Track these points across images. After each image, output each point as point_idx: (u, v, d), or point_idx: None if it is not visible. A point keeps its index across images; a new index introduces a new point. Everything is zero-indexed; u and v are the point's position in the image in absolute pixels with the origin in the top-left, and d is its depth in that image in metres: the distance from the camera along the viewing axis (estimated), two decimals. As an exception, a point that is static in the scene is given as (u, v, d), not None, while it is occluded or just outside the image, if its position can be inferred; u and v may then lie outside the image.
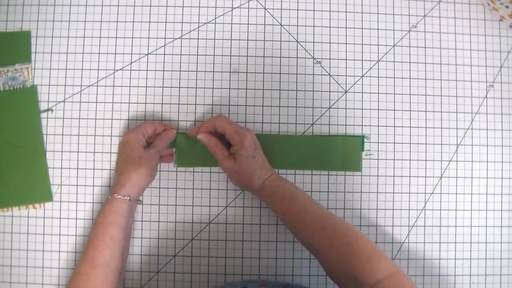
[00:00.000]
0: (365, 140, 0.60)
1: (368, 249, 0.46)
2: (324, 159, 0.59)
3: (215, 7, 0.61)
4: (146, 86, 0.60)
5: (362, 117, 0.60)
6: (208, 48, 0.60)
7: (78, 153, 0.59)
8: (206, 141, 0.55)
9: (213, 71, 0.60)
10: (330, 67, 0.61)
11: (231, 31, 0.61)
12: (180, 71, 0.60)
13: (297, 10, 0.61)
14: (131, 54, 0.60)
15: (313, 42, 0.61)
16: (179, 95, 0.60)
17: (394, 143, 0.60)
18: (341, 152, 0.59)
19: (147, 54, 0.60)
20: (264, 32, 0.61)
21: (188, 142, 0.58)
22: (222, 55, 0.60)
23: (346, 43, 0.61)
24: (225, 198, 0.59)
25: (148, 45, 0.60)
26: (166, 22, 0.61)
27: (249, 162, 0.52)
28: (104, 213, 0.50)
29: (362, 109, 0.60)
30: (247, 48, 0.61)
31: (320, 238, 0.48)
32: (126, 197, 0.50)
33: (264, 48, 0.61)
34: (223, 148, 0.54)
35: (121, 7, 0.61)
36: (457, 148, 0.61)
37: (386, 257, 0.45)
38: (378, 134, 0.60)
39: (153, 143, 0.55)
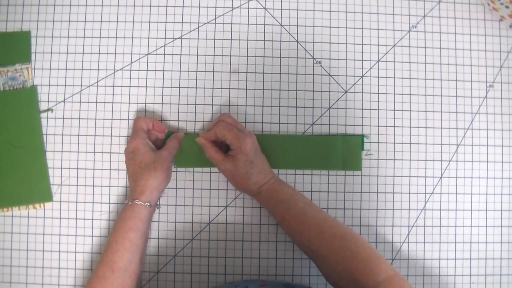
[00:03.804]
0: (365, 139, 0.60)
1: (367, 252, 0.46)
2: (324, 158, 0.59)
3: (215, 7, 0.61)
4: (146, 86, 0.60)
5: (362, 117, 0.60)
6: (208, 48, 0.60)
7: (78, 153, 0.59)
8: (201, 146, 0.55)
9: (213, 71, 0.60)
10: (330, 67, 0.61)
11: (231, 31, 0.61)
12: (180, 71, 0.60)
13: (297, 10, 0.61)
14: (131, 54, 0.60)
15: (313, 42, 0.61)
16: (179, 95, 0.60)
17: (394, 143, 0.60)
18: (341, 151, 0.59)
19: (147, 54, 0.60)
20: (264, 32, 0.61)
21: (188, 143, 0.58)
22: (222, 55, 0.60)
23: (346, 43, 0.61)
24: (225, 198, 0.59)
25: (148, 45, 0.60)
26: (166, 22, 0.61)
27: (246, 166, 0.52)
28: (124, 219, 0.50)
29: (362, 109, 0.60)
30: (247, 48, 0.61)
31: (319, 242, 0.48)
32: (147, 203, 0.51)
33: (264, 48, 0.61)
34: (217, 152, 0.54)
35: (121, 7, 0.61)
36: (457, 148, 0.61)
37: (385, 261, 0.46)
38: (378, 134, 0.60)
39: (164, 146, 0.55)
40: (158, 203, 0.55)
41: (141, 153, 0.52)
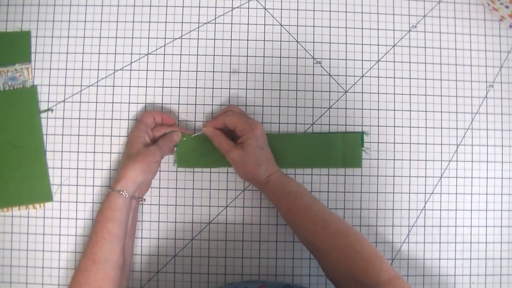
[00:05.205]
0: (365, 137, 0.60)
1: (370, 251, 0.46)
2: (324, 156, 0.59)
3: (215, 7, 0.61)
4: (146, 86, 0.60)
5: (362, 117, 0.60)
6: (208, 48, 0.60)
7: (78, 153, 0.59)
8: (210, 135, 0.55)
9: (213, 71, 0.60)
10: (330, 67, 0.61)
11: (231, 31, 0.61)
12: (180, 71, 0.60)
13: (297, 10, 0.61)
14: (131, 54, 0.60)
15: (313, 42, 0.61)
16: (179, 95, 0.60)
17: (394, 143, 0.60)
18: (341, 149, 0.59)
19: (147, 54, 0.60)
20: (264, 32, 0.61)
21: (189, 143, 0.58)
22: (222, 55, 0.60)
23: (346, 43, 0.61)
24: (225, 198, 0.59)
25: (148, 45, 0.60)
26: (166, 22, 0.61)
27: (257, 152, 0.52)
28: (102, 209, 0.50)
29: (362, 109, 0.60)
30: (247, 48, 0.61)
31: (323, 237, 0.48)
32: (121, 192, 0.50)
33: (264, 48, 0.61)
34: (228, 139, 0.54)
35: (121, 7, 0.61)
36: (457, 148, 0.61)
37: (387, 261, 0.46)
38: (378, 134, 0.60)
39: (157, 142, 0.55)
40: (142, 197, 0.55)
41: (131, 144, 0.53)
